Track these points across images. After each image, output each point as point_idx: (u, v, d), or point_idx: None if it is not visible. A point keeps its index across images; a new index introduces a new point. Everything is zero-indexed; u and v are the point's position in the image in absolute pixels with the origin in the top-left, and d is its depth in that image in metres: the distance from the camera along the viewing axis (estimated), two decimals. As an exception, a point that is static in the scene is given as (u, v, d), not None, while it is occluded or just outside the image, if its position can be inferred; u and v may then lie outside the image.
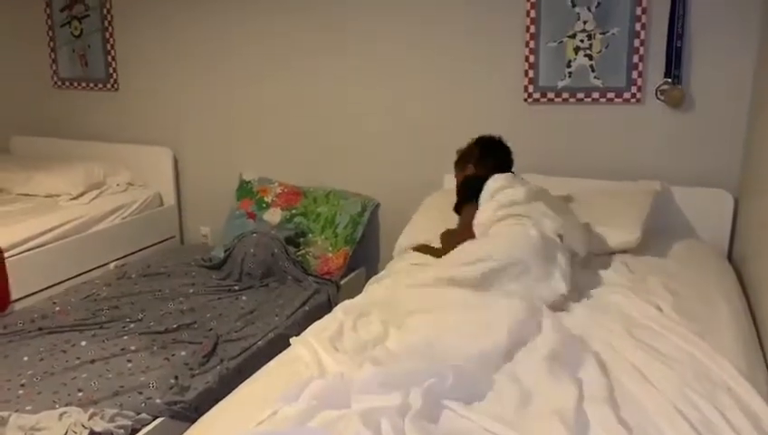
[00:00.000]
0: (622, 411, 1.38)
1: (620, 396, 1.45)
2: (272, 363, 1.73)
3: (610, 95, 2.81)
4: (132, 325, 2.46)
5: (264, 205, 3.31)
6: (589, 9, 2.77)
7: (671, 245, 2.51)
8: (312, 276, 2.96)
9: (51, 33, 3.90)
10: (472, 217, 2.28)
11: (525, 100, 2.94)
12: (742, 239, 2.57)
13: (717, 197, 2.66)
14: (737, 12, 2.60)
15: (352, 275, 3.22)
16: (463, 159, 2.59)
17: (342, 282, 3.07)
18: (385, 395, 1.24)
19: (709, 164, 2.73)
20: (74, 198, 3.37)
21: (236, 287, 2.85)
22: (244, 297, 2.75)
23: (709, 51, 2.66)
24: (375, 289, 2.16)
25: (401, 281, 2.08)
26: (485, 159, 2.53)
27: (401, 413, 1.18)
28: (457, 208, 2.48)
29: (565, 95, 2.87)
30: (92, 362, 2.18)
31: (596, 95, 2.83)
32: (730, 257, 2.65)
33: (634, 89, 2.77)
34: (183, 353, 2.25)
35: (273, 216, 3.27)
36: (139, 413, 1.90)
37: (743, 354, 1.68)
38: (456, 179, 2.60)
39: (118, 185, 3.59)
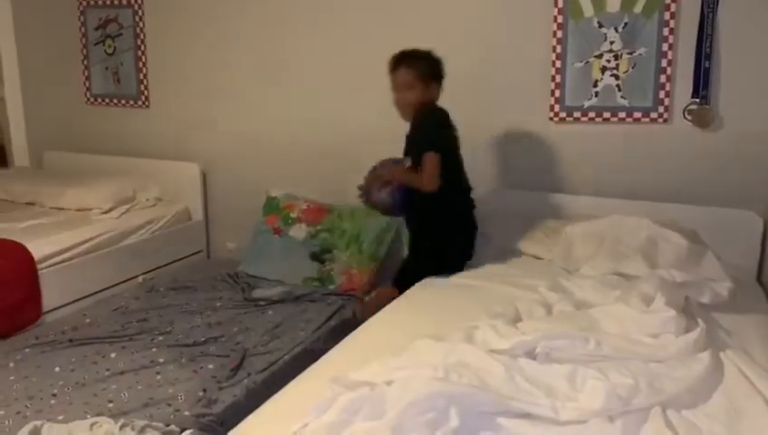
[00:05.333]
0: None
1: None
2: (301, 377, 1.75)
3: (637, 115, 2.81)
4: (161, 338, 2.49)
5: (290, 221, 3.34)
6: (615, 29, 2.78)
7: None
8: (334, 295, 2.98)
9: (85, 52, 4.00)
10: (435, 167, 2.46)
11: (551, 119, 2.95)
12: (772, 261, 2.55)
13: (746, 218, 2.64)
14: (766, 31, 2.59)
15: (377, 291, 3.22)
16: (428, 71, 2.60)
17: (367, 298, 3.08)
18: (420, 409, 1.25)
19: (738, 185, 2.71)
20: (105, 213, 3.43)
21: (262, 302, 2.88)
22: (270, 311, 2.77)
23: (737, 71, 2.65)
24: None
25: None
26: (437, 82, 2.62)
27: (434, 427, 1.19)
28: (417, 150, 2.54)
29: (591, 114, 2.88)
30: (122, 373, 2.21)
31: (622, 115, 2.83)
32: (759, 279, 2.62)
33: (661, 109, 2.77)
34: (211, 366, 2.27)
35: (299, 232, 3.30)
36: (168, 425, 1.92)
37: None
38: (403, 92, 2.62)
39: (147, 200, 3.65)
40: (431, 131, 2.56)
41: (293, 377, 1.82)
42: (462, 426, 1.31)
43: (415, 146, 2.60)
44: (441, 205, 2.58)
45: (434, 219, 2.62)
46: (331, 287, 3.07)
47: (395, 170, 2.64)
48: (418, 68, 2.58)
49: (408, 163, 2.62)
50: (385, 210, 2.76)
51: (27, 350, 2.39)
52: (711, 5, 2.62)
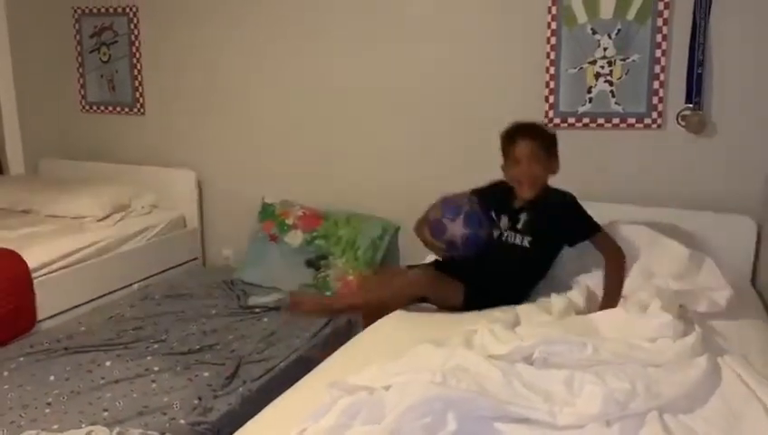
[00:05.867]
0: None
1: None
2: (299, 384, 1.74)
3: (631, 121, 2.82)
4: (156, 346, 2.48)
5: (286, 227, 3.33)
6: (609, 36, 2.80)
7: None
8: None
9: (80, 59, 4.00)
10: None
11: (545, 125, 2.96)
12: (766, 266, 2.55)
13: (740, 223, 2.64)
14: (758, 38, 2.61)
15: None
16: (549, 142, 2.40)
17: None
18: (418, 414, 1.25)
19: (732, 190, 2.72)
20: (100, 220, 3.42)
21: (257, 309, 2.87)
22: (265, 319, 2.77)
23: (730, 76, 2.67)
24: None
25: None
26: (556, 156, 2.45)
27: (432, 432, 1.19)
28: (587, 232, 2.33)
29: (585, 120, 2.89)
30: (117, 381, 2.20)
31: (616, 121, 2.84)
32: (754, 283, 2.63)
33: (654, 114, 2.78)
34: (206, 374, 2.26)
35: (295, 238, 3.30)
36: (163, 433, 1.91)
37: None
38: (528, 165, 2.35)
39: (143, 207, 3.63)
40: (585, 214, 2.38)
41: (289, 384, 1.81)
42: (460, 430, 1.31)
43: (556, 230, 2.39)
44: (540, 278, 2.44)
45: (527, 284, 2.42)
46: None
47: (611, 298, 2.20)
48: (542, 139, 2.39)
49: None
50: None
51: (22, 358, 2.38)
52: (703, 12, 2.63)
